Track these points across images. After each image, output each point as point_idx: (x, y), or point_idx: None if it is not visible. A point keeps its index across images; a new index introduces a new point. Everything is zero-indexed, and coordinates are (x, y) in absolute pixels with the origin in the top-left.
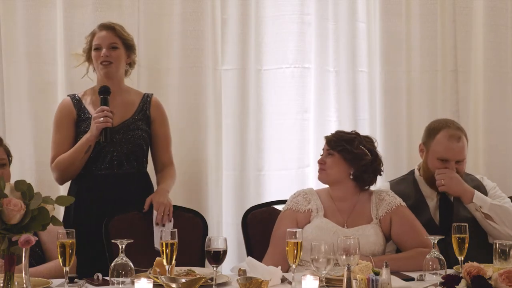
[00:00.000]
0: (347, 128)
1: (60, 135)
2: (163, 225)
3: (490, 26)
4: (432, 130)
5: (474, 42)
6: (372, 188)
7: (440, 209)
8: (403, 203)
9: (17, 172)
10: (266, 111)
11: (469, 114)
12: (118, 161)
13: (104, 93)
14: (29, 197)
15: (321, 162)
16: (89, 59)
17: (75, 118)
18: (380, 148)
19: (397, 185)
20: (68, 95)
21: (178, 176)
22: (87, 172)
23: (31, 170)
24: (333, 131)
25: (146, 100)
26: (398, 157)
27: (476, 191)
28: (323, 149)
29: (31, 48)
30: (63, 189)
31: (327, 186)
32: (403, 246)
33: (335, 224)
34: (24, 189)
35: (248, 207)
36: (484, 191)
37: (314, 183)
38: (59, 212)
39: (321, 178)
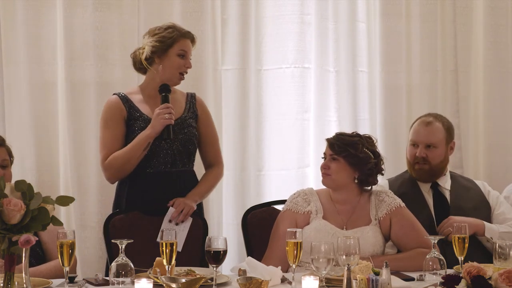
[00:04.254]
0: (347, 128)
1: (111, 133)
2: (176, 224)
3: (490, 26)
4: (412, 124)
5: (474, 42)
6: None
7: (435, 205)
8: (403, 204)
9: (17, 172)
10: (266, 111)
11: (469, 114)
12: (172, 159)
13: (165, 91)
14: (29, 197)
15: (325, 167)
16: (156, 55)
17: (125, 116)
18: (380, 148)
19: (395, 183)
20: (114, 94)
21: None
22: (139, 170)
23: (31, 170)
24: (333, 134)
25: (192, 98)
26: (398, 157)
27: (485, 223)
28: (325, 153)
29: (31, 48)
30: (63, 190)
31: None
32: (404, 247)
33: (334, 226)
34: (24, 189)
35: (248, 207)
36: (480, 195)
37: (314, 183)
38: (62, 211)
39: (326, 183)
